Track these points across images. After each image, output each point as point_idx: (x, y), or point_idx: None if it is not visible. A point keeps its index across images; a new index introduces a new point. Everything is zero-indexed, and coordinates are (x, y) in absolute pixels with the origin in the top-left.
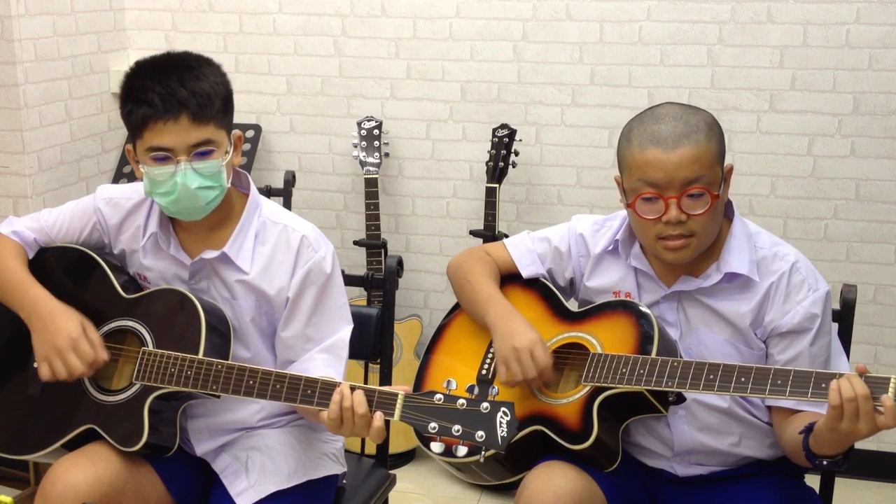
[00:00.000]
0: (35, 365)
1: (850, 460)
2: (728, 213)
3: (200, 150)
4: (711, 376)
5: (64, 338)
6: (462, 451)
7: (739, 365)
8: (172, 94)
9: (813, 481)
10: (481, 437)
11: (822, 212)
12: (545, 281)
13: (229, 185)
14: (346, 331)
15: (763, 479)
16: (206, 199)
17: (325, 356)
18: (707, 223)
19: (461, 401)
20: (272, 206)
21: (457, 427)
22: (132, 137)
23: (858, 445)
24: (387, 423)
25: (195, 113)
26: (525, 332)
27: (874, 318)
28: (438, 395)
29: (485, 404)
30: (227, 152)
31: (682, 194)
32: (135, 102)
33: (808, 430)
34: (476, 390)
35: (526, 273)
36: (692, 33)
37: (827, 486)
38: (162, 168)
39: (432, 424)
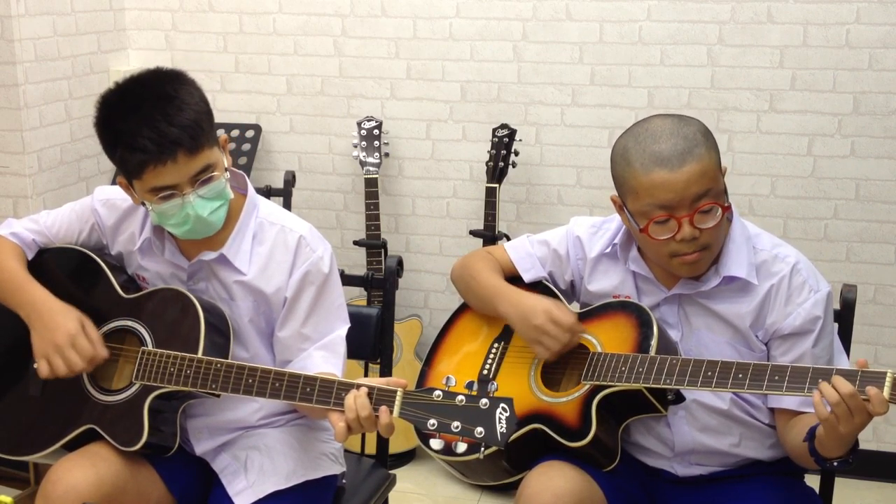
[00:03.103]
0: (35, 365)
1: (857, 455)
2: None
3: (203, 178)
4: (709, 373)
5: (62, 334)
6: (461, 447)
7: (737, 362)
8: (163, 135)
9: (813, 481)
10: (480, 433)
11: (822, 212)
12: (547, 283)
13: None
14: (342, 329)
15: (763, 479)
16: (219, 218)
17: (323, 353)
18: (718, 234)
19: (460, 397)
20: (269, 207)
21: (456, 423)
22: (126, 176)
23: (858, 445)
24: None
25: (190, 147)
26: (536, 307)
27: (874, 318)
28: (437, 392)
29: (484, 400)
30: (224, 168)
31: (695, 211)
32: (125, 149)
33: (811, 436)
34: (475, 387)
35: (527, 277)
36: (692, 33)
37: (827, 486)
38: (169, 203)
39: (431, 421)
